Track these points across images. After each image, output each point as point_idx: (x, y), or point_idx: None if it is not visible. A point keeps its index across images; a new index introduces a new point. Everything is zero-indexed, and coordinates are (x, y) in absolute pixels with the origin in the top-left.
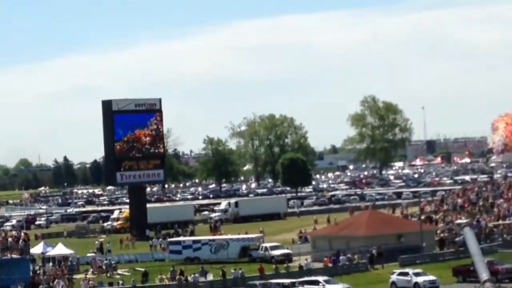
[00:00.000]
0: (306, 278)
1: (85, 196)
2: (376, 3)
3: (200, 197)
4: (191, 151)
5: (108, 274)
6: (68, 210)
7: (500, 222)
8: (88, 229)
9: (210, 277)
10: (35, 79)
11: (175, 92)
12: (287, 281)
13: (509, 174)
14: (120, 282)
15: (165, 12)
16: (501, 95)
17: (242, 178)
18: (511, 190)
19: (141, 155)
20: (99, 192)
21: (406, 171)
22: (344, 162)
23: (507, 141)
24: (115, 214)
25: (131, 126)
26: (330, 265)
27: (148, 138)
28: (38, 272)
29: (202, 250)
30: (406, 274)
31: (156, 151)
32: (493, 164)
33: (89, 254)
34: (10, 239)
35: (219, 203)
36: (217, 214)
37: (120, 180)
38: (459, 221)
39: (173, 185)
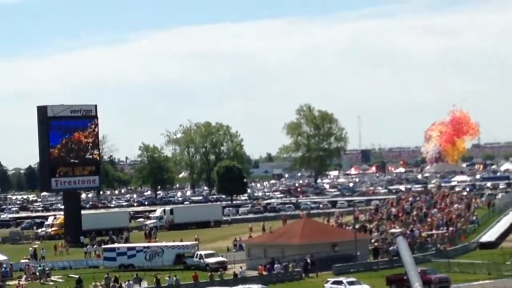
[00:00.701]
0: (240, 286)
1: (19, 202)
2: (313, 13)
3: (135, 204)
4: (126, 158)
5: (42, 281)
6: (2, 216)
7: (434, 231)
8: (22, 235)
9: (144, 284)
10: None
11: (111, 98)
12: None
13: (443, 184)
14: None
15: (102, 18)
16: (436, 106)
17: (177, 185)
18: (444, 200)
19: (77, 161)
20: (34, 198)
21: (341, 180)
22: (279, 171)
23: (440, 149)
24: (50, 220)
25: (66, 132)
26: (265, 273)
27: (89, 140)
28: None
29: (137, 257)
30: (340, 282)
31: (92, 157)
32: (427, 174)
33: (22, 261)
34: None
35: (154, 210)
36: (152, 221)
37: (55, 186)
38: (393, 230)
39: (108, 192)
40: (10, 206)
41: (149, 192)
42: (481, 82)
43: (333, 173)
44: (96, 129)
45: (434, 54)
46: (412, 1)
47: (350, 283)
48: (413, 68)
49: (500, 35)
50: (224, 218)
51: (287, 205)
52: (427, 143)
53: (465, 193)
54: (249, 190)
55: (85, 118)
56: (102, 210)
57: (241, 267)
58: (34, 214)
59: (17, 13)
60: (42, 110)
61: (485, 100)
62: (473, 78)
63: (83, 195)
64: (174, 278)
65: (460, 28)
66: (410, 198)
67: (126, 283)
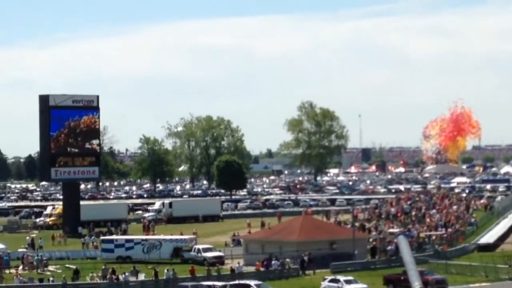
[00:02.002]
0: (237, 282)
1: (18, 191)
2: (316, 9)
3: (134, 196)
4: (126, 150)
5: (39, 271)
6: (1, 205)
7: (432, 232)
8: (20, 224)
9: (141, 276)
10: None
11: (113, 89)
12: (218, 283)
13: (442, 185)
14: (51, 278)
15: (106, 9)
16: (437, 106)
17: (177, 178)
18: (443, 201)
19: (77, 151)
20: (33, 187)
21: (340, 178)
22: (279, 167)
23: (440, 148)
24: (48, 210)
25: (68, 122)
26: (262, 269)
27: (90, 130)
28: None
29: (135, 250)
30: (337, 281)
31: (92, 148)
32: (426, 175)
33: (20, 250)
34: None
35: (153, 203)
36: (150, 214)
37: (54, 176)
38: (391, 230)
39: (107, 183)
40: (9, 195)
41: (148, 185)
42: (482, 84)
43: (333, 171)
44: (98, 120)
45: (435, 54)
46: (412, 1)
47: (347, 281)
48: (415, 68)
49: (499, 37)
50: (224, 213)
51: (286, 202)
52: (426, 141)
53: (464, 195)
54: (248, 186)
55: (86, 109)
56: (101, 202)
57: (238, 263)
58: (32, 204)
59: (17, 2)
60: (44, 99)
61: (485, 102)
62: (473, 80)
63: (82, 186)
64: (172, 272)
65: (460, 28)
66: (410, 199)
67: (123, 275)
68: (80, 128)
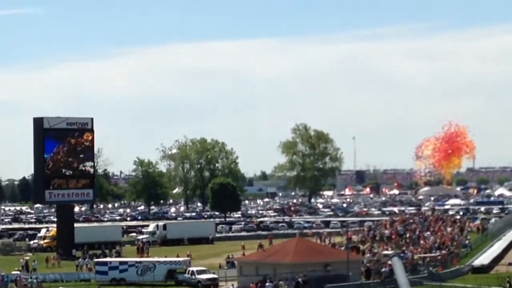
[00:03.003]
0: None
1: (12, 213)
2: (308, 32)
3: (128, 219)
4: (121, 172)
5: None
6: None
7: (427, 254)
8: (14, 246)
9: None
10: None
11: (107, 112)
12: None
13: (436, 207)
14: None
15: (99, 31)
16: (430, 128)
17: (171, 201)
18: (438, 223)
19: (71, 174)
20: (27, 210)
21: (335, 200)
22: (273, 189)
23: (434, 169)
24: (42, 232)
25: (62, 144)
26: None
27: (84, 153)
28: None
29: (129, 272)
30: None
31: (86, 170)
32: (421, 197)
33: (14, 272)
34: None
35: (147, 225)
36: (145, 236)
37: (48, 199)
38: (385, 252)
39: (101, 206)
40: (2, 217)
41: (142, 207)
42: (473, 106)
43: (327, 193)
44: (92, 143)
45: (425, 76)
46: (400, 25)
47: None
48: (407, 90)
49: (487, 60)
50: (217, 235)
51: (280, 224)
52: (419, 161)
53: (458, 217)
54: (242, 208)
55: (81, 131)
56: (95, 224)
57: (232, 285)
58: (26, 226)
59: (9, 25)
60: (38, 122)
61: (477, 125)
62: (464, 102)
63: (77, 208)
64: None
65: (448, 52)
66: (404, 221)
67: None
68: (83, 145)
